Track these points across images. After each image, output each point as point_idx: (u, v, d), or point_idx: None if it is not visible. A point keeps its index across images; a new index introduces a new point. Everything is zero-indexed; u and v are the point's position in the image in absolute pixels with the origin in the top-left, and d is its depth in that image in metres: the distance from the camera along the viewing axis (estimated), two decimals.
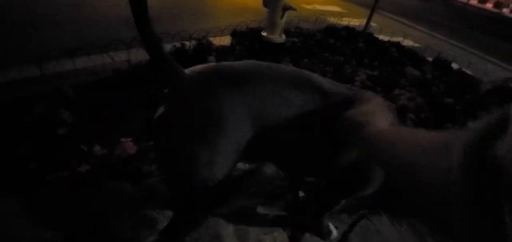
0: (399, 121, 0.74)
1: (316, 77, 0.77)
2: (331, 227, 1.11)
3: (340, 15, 4.82)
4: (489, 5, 17.23)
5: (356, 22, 4.30)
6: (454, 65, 3.40)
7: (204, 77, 0.69)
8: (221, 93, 0.64)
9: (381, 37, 3.86)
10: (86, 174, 1.05)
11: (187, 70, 0.69)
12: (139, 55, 2.13)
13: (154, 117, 0.66)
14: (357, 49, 3.25)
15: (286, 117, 0.68)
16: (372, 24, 3.91)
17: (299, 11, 3.24)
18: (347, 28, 3.80)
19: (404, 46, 3.73)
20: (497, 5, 16.73)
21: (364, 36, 3.63)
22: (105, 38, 2.12)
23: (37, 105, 1.46)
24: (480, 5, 16.91)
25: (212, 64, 0.78)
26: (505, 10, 15.46)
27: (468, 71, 3.32)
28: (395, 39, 3.92)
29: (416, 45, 4.26)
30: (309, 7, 5.52)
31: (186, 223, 0.70)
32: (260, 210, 0.96)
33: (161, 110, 0.65)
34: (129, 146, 1.19)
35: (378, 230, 1.43)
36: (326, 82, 0.76)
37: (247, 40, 2.84)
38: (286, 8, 2.91)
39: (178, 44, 2.44)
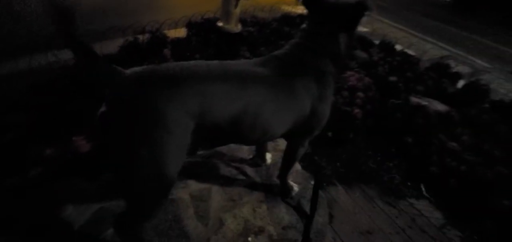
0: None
1: (247, 67, 0.82)
2: (293, 184, 1.18)
3: (294, 3, 4.95)
4: None
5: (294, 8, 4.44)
6: (398, 47, 3.72)
7: (142, 78, 0.69)
8: (160, 93, 0.65)
9: None
10: (37, 177, 1.00)
11: (128, 71, 0.69)
12: None
13: (97, 115, 0.65)
14: (342, 66, 3.39)
15: (231, 107, 0.72)
16: None
17: (254, 1, 3.29)
18: (301, 16, 3.93)
19: None
20: None
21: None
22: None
23: None
24: None
25: (151, 66, 0.78)
26: None
27: (410, 52, 3.66)
28: None
29: (364, 30, 4.57)
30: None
31: (138, 215, 0.71)
32: (219, 190, 1.00)
33: (103, 108, 0.65)
34: (82, 144, 1.14)
35: (335, 199, 1.57)
36: (258, 67, 0.82)
37: (203, 31, 2.81)
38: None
39: (130, 38, 2.34)
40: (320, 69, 0.90)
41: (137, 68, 0.72)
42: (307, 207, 1.25)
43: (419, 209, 1.64)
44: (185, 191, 0.94)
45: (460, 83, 3.14)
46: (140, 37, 2.38)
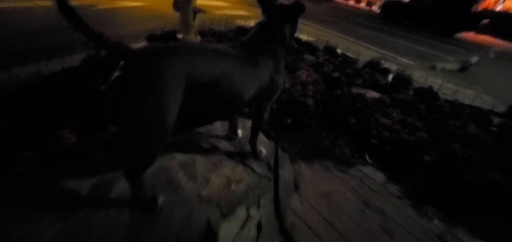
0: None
1: (223, 49, 1.04)
2: (262, 148, 1.39)
3: (246, 18, 5.35)
4: (362, 5, 21.41)
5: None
6: (339, 50, 4.28)
7: (147, 50, 0.87)
8: (165, 71, 0.83)
9: None
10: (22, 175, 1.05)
11: (136, 48, 0.86)
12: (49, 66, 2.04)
13: (111, 79, 0.80)
14: (291, 51, 3.74)
15: (213, 79, 0.93)
16: None
17: (210, 15, 3.54)
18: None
19: (301, 40, 4.45)
20: (368, 4, 20.98)
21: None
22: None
23: None
24: (356, 5, 20.84)
25: (154, 44, 0.96)
26: (374, 8, 19.52)
27: (349, 54, 4.25)
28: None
29: (310, 38, 5.13)
30: (219, 12, 5.89)
31: (142, 160, 0.85)
32: (202, 158, 1.16)
33: (116, 74, 0.80)
34: (68, 136, 1.21)
35: (299, 172, 1.83)
36: (230, 50, 1.05)
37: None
38: (196, 11, 3.15)
39: (91, 52, 2.38)
40: (274, 50, 1.15)
41: (143, 46, 0.89)
42: (271, 162, 1.47)
43: (366, 173, 1.99)
44: (174, 161, 1.09)
45: (390, 77, 3.76)
46: (102, 51, 2.43)
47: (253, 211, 1.08)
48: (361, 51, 5.26)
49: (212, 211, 0.93)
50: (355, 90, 2.81)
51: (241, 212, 1.00)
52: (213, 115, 1.68)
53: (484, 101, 3.81)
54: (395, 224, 1.60)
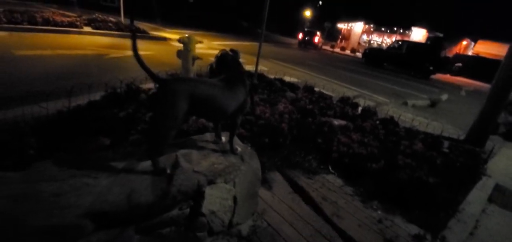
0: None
1: (213, 82, 1.62)
2: (237, 147, 1.88)
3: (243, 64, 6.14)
4: (347, 52, 23.15)
5: (250, 67, 5.62)
6: (316, 88, 4.98)
7: (173, 83, 1.44)
8: (178, 91, 1.38)
9: (271, 76, 5.26)
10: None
11: (165, 78, 1.43)
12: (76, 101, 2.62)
13: (149, 95, 1.35)
14: (252, 84, 4.42)
15: (204, 99, 1.49)
16: (264, 68, 5.28)
17: (206, 61, 4.24)
18: (249, 72, 5.03)
19: (285, 80, 5.18)
20: (352, 51, 22.72)
21: (257, 75, 4.90)
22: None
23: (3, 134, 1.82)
24: (341, 52, 22.56)
25: (176, 77, 1.54)
26: (358, 54, 21.19)
27: (325, 91, 4.94)
28: (279, 77, 5.38)
29: (295, 80, 5.89)
30: (213, 59, 6.72)
31: (159, 144, 1.36)
32: (196, 152, 1.64)
33: (153, 91, 1.35)
34: (104, 139, 1.73)
35: (274, 179, 2.32)
36: (217, 82, 1.63)
37: None
38: (195, 58, 3.87)
39: (110, 90, 2.98)
40: (243, 81, 1.73)
41: (168, 78, 1.47)
42: (244, 157, 1.96)
43: (328, 179, 2.49)
44: (178, 153, 1.61)
45: (359, 109, 4.40)
46: (118, 89, 3.03)
47: (230, 186, 1.57)
48: (338, 90, 6.00)
49: (201, 178, 1.42)
50: (323, 119, 3.40)
51: (220, 183, 1.49)
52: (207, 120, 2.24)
53: (448, 131, 4.35)
54: (345, 212, 2.07)
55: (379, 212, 2.16)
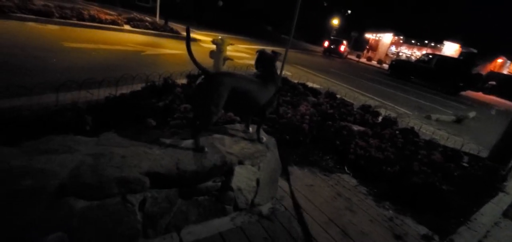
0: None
1: (250, 78, 1.88)
2: (263, 136, 2.12)
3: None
4: (373, 63, 22.73)
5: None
6: (338, 95, 5.12)
7: (220, 76, 1.71)
8: (222, 82, 1.65)
9: (294, 80, 5.49)
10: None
11: (211, 71, 1.71)
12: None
13: (195, 84, 1.64)
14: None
15: (242, 95, 1.75)
16: (288, 73, 5.51)
17: (235, 63, 4.56)
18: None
19: (307, 85, 5.37)
20: (379, 62, 22.26)
21: (281, 78, 5.13)
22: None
23: (66, 114, 2.19)
24: (368, 63, 22.20)
25: (221, 71, 1.83)
26: (384, 65, 20.72)
27: (346, 99, 5.07)
28: (302, 82, 5.58)
29: (318, 86, 6.05)
30: (241, 61, 7.05)
31: (202, 126, 1.64)
32: (229, 138, 1.90)
33: (199, 81, 1.64)
34: (150, 121, 2.05)
35: (291, 172, 2.54)
36: (254, 79, 1.88)
37: None
38: (225, 59, 4.19)
39: (149, 83, 3.35)
40: (273, 79, 1.97)
41: (216, 71, 1.75)
42: (269, 146, 2.19)
43: (343, 178, 2.66)
44: (213, 137, 1.86)
45: (380, 118, 4.49)
46: (156, 82, 3.40)
47: (255, 169, 1.81)
48: (360, 98, 6.08)
49: (233, 158, 1.68)
50: (343, 123, 3.56)
51: (248, 164, 1.74)
52: (240, 115, 2.53)
53: (470, 147, 4.32)
54: (357, 208, 2.24)
55: (390, 211, 2.30)
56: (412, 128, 4.07)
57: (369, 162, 2.78)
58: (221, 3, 20.91)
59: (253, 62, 2.10)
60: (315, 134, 3.20)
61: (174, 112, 2.79)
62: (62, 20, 7.08)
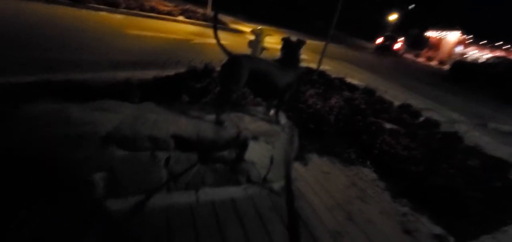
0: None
1: (270, 61, 2.05)
2: (281, 118, 2.28)
3: (307, 61, 6.47)
4: (434, 63, 20.62)
5: (313, 65, 5.87)
6: (377, 93, 4.94)
7: (239, 57, 1.93)
8: (242, 63, 1.86)
9: (333, 75, 5.45)
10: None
11: (234, 53, 1.94)
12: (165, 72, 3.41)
13: (221, 65, 1.88)
14: (312, 79, 4.71)
15: (261, 76, 1.93)
16: (328, 67, 5.48)
17: (271, 52, 4.72)
18: (307, 68, 5.33)
19: (345, 81, 5.28)
20: (441, 62, 20.13)
21: (317, 73, 5.15)
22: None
23: (120, 87, 2.63)
24: (426, 62, 20.23)
25: (244, 53, 2.05)
26: (446, 66, 18.63)
27: (385, 96, 4.86)
28: (340, 76, 5.50)
29: (357, 82, 5.89)
30: (278, 52, 7.18)
31: (223, 102, 1.89)
32: (250, 118, 2.11)
33: (224, 63, 1.88)
34: (185, 97, 2.40)
35: (311, 158, 2.65)
36: (273, 62, 2.05)
37: None
38: (262, 49, 4.38)
39: (191, 67, 3.73)
40: (294, 65, 2.11)
41: (238, 54, 1.97)
42: (285, 128, 2.33)
43: (363, 171, 2.68)
44: (234, 115, 2.12)
45: (421, 118, 4.24)
46: (197, 66, 3.76)
47: (269, 146, 2.00)
48: (404, 98, 5.73)
49: (248, 133, 1.89)
50: (373, 119, 3.49)
51: (262, 141, 1.94)
52: (261, 95, 2.75)
53: None
54: (370, 198, 2.28)
55: (406, 208, 2.28)
56: (455, 132, 3.78)
57: (393, 159, 2.74)
58: None
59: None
60: (341, 127, 3.23)
61: (208, 93, 3.10)
62: (127, 10, 8.03)
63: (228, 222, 1.67)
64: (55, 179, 1.37)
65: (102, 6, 7.44)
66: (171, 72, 3.58)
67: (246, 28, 11.59)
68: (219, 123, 1.90)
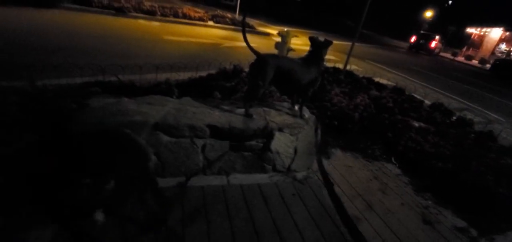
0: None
1: (293, 59, 2.22)
2: (305, 113, 2.45)
3: (334, 61, 6.52)
4: (474, 62, 19.19)
5: (340, 65, 5.90)
6: (409, 93, 4.86)
7: (266, 56, 2.14)
8: (268, 61, 2.06)
9: (360, 75, 5.46)
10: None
11: (262, 53, 2.15)
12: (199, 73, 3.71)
13: (250, 64, 2.11)
14: (338, 79, 4.78)
15: (285, 73, 2.12)
16: (356, 67, 5.49)
17: (298, 53, 4.87)
18: (334, 68, 5.39)
19: (373, 80, 5.26)
20: (481, 61, 18.68)
21: (344, 72, 5.19)
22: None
23: (161, 86, 2.97)
24: (466, 61, 18.89)
25: (270, 53, 2.26)
26: (488, 65, 17.26)
27: (416, 95, 4.77)
28: (368, 76, 5.48)
29: (386, 81, 5.81)
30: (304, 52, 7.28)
31: (251, 97, 2.10)
32: (275, 112, 2.30)
33: (252, 62, 2.10)
34: (216, 94, 2.67)
35: (334, 153, 2.77)
36: (297, 60, 2.22)
37: None
38: (289, 49, 4.56)
39: (222, 67, 4.01)
40: (317, 63, 2.26)
41: (265, 53, 2.19)
42: (309, 122, 2.49)
43: (387, 167, 2.74)
44: (261, 109, 2.33)
45: (454, 118, 4.13)
46: (227, 67, 4.04)
47: (293, 138, 2.17)
48: (437, 97, 5.54)
49: (274, 125, 2.08)
50: (400, 117, 3.50)
51: (287, 132, 2.12)
52: (286, 92, 2.93)
53: None
54: (391, 192, 2.35)
55: (429, 202, 2.32)
56: (490, 132, 3.63)
57: (419, 155, 2.76)
58: None
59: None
60: (366, 124, 3.29)
61: (237, 92, 3.35)
62: (163, 18, 8.66)
63: (255, 203, 1.87)
64: (126, 153, 1.68)
65: (140, 15, 8.11)
66: (203, 73, 3.90)
67: (273, 30, 11.81)
68: (247, 115, 2.12)
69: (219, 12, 11.26)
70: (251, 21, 12.22)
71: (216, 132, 1.93)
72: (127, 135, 1.62)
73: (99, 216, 1.47)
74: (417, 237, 1.90)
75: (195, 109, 2.02)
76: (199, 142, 1.91)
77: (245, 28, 2.07)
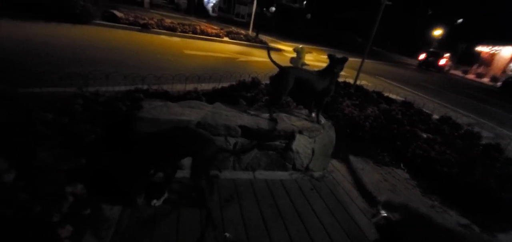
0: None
1: (310, 70, 2.55)
2: (321, 118, 2.74)
3: (344, 76, 6.83)
4: (485, 80, 19.14)
5: (350, 80, 6.20)
6: (417, 107, 5.10)
7: (287, 68, 2.48)
8: (290, 72, 2.39)
9: (371, 90, 5.75)
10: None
11: (284, 65, 2.49)
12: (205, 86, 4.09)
13: (273, 76, 2.44)
14: (349, 92, 5.08)
15: (303, 82, 2.44)
16: (366, 82, 5.79)
17: (311, 68, 5.22)
18: (344, 83, 5.70)
19: (383, 94, 5.53)
20: (493, 79, 18.63)
21: (355, 86, 5.49)
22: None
23: (191, 94, 3.33)
24: (476, 79, 18.88)
25: (290, 65, 2.61)
26: (499, 83, 17.20)
27: (424, 109, 5.00)
28: (377, 90, 5.76)
29: (392, 96, 6.07)
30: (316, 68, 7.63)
31: (274, 103, 2.41)
32: (294, 118, 2.61)
33: (274, 75, 2.43)
34: (242, 101, 3.02)
35: (347, 158, 3.05)
36: (313, 71, 2.55)
37: None
38: (303, 65, 4.91)
39: (241, 79, 4.38)
40: (332, 75, 2.58)
41: (286, 66, 2.53)
42: (325, 126, 2.78)
43: (396, 171, 2.99)
44: (283, 115, 2.65)
45: (462, 130, 4.33)
46: (246, 79, 4.40)
47: (311, 140, 2.47)
48: (446, 113, 5.74)
49: (295, 128, 2.39)
50: (408, 128, 3.74)
51: (306, 135, 2.42)
52: (302, 102, 3.23)
53: None
54: (400, 192, 2.59)
55: (435, 202, 2.54)
56: (497, 144, 3.83)
57: (426, 161, 3.00)
58: (271, 10, 21.03)
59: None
60: (376, 134, 3.56)
61: (257, 101, 3.69)
62: (182, 34, 9.23)
63: (278, 193, 2.17)
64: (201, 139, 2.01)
65: (162, 31, 8.70)
66: (225, 84, 4.27)
67: (285, 46, 12.28)
68: (272, 119, 2.44)
69: (233, 29, 11.84)
70: (264, 37, 12.74)
71: (247, 131, 2.25)
72: (195, 129, 1.97)
73: (157, 202, 1.81)
74: None
75: (227, 113, 2.35)
76: (232, 140, 2.23)
77: (269, 49, 2.44)
